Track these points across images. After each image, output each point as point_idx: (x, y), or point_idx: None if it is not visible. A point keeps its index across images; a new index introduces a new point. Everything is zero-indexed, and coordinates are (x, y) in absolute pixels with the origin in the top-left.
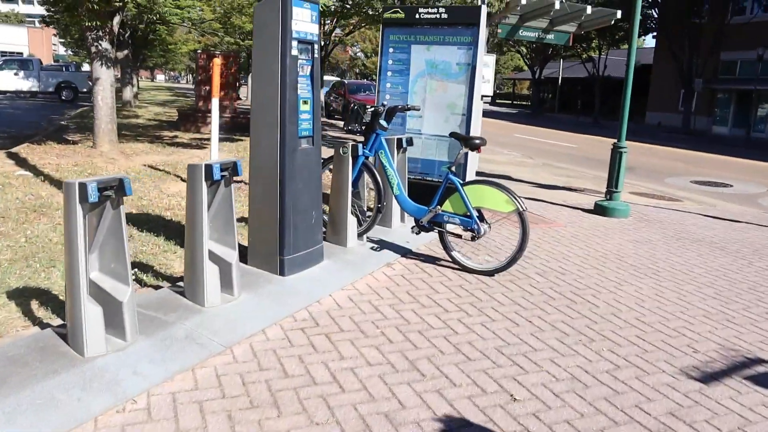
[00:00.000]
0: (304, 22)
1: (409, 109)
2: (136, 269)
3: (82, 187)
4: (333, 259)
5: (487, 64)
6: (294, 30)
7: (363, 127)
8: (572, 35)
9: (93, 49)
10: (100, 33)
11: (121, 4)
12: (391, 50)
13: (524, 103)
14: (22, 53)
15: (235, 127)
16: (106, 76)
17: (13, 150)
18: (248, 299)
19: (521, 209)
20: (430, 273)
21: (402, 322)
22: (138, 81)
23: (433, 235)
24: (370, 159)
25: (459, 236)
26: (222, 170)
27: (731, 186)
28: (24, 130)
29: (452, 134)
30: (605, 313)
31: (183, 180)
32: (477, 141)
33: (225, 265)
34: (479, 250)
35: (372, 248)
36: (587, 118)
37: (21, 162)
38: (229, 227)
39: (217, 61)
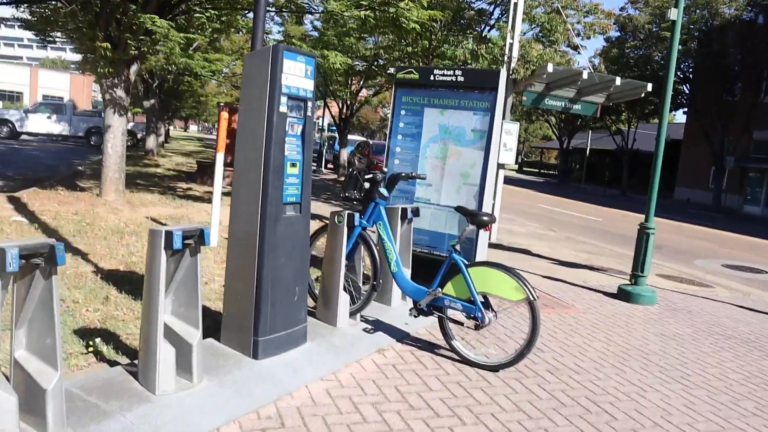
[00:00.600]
0: (296, 76)
1: (412, 178)
2: (98, 338)
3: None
4: (318, 341)
5: (509, 132)
6: (284, 84)
7: (361, 195)
8: (600, 106)
9: (107, 96)
10: (115, 80)
11: (137, 53)
12: (403, 112)
13: (551, 172)
14: (63, 98)
15: None
16: (117, 124)
17: (17, 194)
18: (209, 387)
19: (532, 298)
20: (425, 364)
21: (383, 428)
22: (168, 130)
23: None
24: (369, 230)
25: (461, 324)
26: (186, 238)
27: (765, 272)
28: (40, 173)
29: (458, 208)
30: (625, 429)
31: None
32: (485, 218)
33: (185, 345)
34: (484, 339)
35: (365, 329)
36: (614, 190)
37: (21, 207)
38: (193, 302)
39: (224, 115)
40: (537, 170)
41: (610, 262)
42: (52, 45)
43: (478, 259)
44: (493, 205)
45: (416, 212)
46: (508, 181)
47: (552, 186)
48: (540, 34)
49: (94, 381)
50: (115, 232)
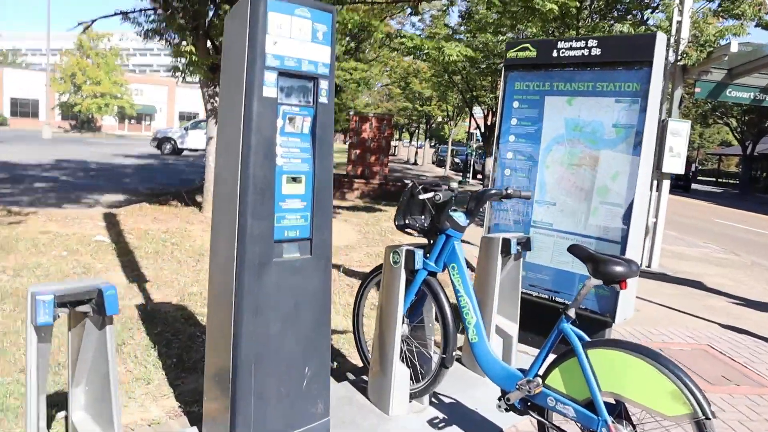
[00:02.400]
0: (295, 40)
1: (507, 197)
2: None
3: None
4: None
5: (677, 133)
6: (271, 53)
7: (426, 224)
8: None
9: (208, 106)
10: (216, 89)
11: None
12: (515, 104)
13: (731, 181)
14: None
15: (383, 194)
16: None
17: (116, 210)
18: None
19: (702, 416)
20: None
21: None
22: None
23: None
24: (440, 275)
25: None
26: (73, 303)
27: None
28: (169, 187)
29: (573, 249)
30: None
31: None
32: (617, 268)
33: None
34: None
35: (433, 421)
36: None
37: (112, 225)
38: (105, 391)
39: None
40: (714, 179)
41: None
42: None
43: (619, 324)
44: (655, 223)
45: (527, 245)
46: (675, 190)
47: (732, 198)
48: (719, 8)
49: None
50: (195, 253)
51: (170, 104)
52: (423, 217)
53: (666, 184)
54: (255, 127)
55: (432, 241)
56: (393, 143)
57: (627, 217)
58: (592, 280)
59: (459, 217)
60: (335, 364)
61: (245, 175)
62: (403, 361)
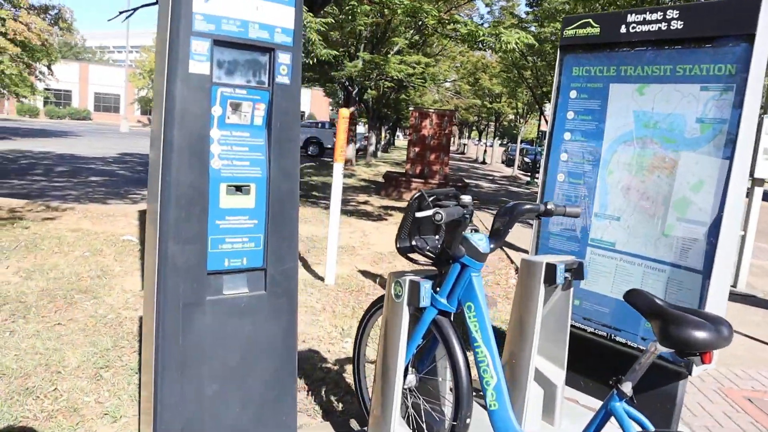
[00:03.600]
0: None
1: (545, 215)
2: None
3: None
4: None
5: None
6: (200, 14)
7: (437, 248)
8: None
9: None
10: None
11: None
12: (573, 94)
13: None
14: (304, 112)
15: None
16: None
17: None
18: None
19: None
20: None
21: None
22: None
23: None
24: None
25: None
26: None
27: None
28: None
29: (631, 296)
30: None
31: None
32: (701, 335)
33: None
34: None
35: None
36: None
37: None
38: None
39: (344, 113)
40: None
41: None
42: None
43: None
44: (743, 237)
45: (578, 272)
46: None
47: None
48: None
49: None
50: None
51: None
52: (437, 237)
53: (758, 191)
54: (178, 116)
55: (443, 271)
56: (462, 141)
57: (712, 239)
58: (658, 347)
59: (479, 241)
60: (340, 405)
61: (165, 183)
62: (407, 421)
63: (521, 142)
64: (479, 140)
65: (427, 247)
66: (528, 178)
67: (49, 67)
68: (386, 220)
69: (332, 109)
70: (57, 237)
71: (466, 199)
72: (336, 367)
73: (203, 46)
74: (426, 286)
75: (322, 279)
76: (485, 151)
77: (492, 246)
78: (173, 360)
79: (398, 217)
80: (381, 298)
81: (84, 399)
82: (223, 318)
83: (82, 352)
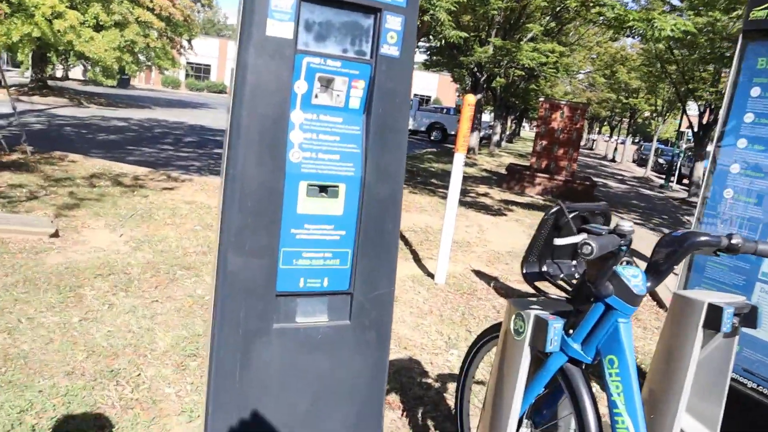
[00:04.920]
0: None
1: (729, 251)
2: None
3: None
4: None
5: None
6: None
7: (574, 277)
8: None
9: None
10: None
11: None
12: (755, 92)
13: None
14: (430, 97)
15: (568, 193)
16: None
17: None
18: None
19: None
20: None
21: None
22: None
23: None
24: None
25: None
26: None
27: None
28: None
29: None
30: None
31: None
32: None
33: None
34: None
35: None
36: None
37: None
38: None
39: (470, 100)
40: None
41: None
42: None
43: None
44: None
45: (750, 318)
46: None
47: None
48: None
49: None
50: None
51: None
52: (574, 264)
53: None
54: (249, 92)
55: (580, 310)
56: (593, 137)
57: None
58: None
59: (633, 278)
60: None
61: (228, 178)
62: None
63: (657, 141)
64: (610, 136)
65: (561, 275)
66: (662, 181)
67: (189, 42)
68: (505, 215)
69: (458, 95)
70: (171, 208)
71: (626, 226)
72: (437, 385)
73: (286, 1)
74: (556, 326)
75: (432, 276)
76: (616, 148)
77: (649, 285)
78: (230, 400)
79: (519, 213)
80: (496, 326)
81: (165, 390)
82: (294, 351)
83: (173, 335)
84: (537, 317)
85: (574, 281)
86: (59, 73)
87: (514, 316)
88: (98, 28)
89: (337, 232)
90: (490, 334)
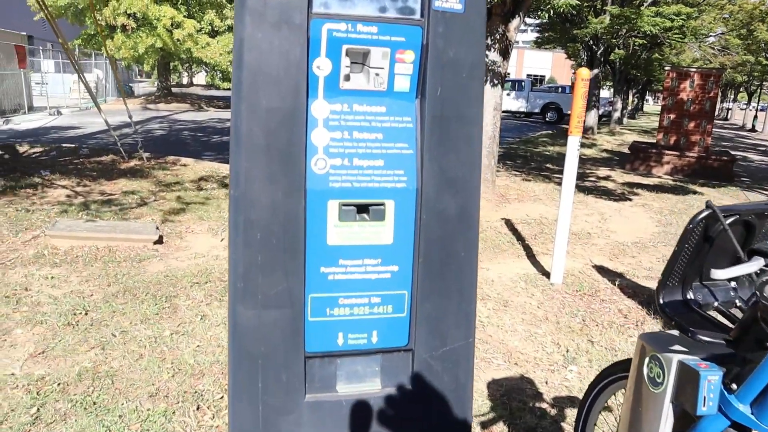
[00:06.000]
0: None
1: None
2: None
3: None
4: None
5: None
6: None
7: (735, 306)
8: None
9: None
10: (488, 41)
11: None
12: None
13: None
14: (544, 76)
15: (701, 171)
16: (489, 96)
17: None
18: None
19: None
20: None
21: None
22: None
23: None
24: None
25: None
26: None
27: None
28: None
29: None
30: None
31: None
32: None
33: None
34: None
35: None
36: None
37: None
38: None
39: (584, 74)
40: None
41: None
42: None
43: None
44: None
45: None
46: None
47: None
48: None
49: None
50: None
51: (519, 68)
52: (734, 287)
53: None
54: (247, 78)
55: (749, 358)
56: (727, 105)
57: None
58: None
59: None
60: None
61: (232, 201)
62: None
63: None
64: (748, 103)
65: (715, 303)
66: None
67: None
68: (630, 200)
69: (573, 73)
70: None
71: None
72: (553, 411)
73: None
74: (712, 380)
75: (547, 275)
76: (755, 116)
77: None
78: None
79: (646, 197)
80: (623, 364)
81: None
82: (335, 431)
83: None
84: (682, 365)
85: (735, 310)
86: (185, 80)
87: (648, 359)
88: (213, 33)
89: (386, 268)
90: (616, 374)
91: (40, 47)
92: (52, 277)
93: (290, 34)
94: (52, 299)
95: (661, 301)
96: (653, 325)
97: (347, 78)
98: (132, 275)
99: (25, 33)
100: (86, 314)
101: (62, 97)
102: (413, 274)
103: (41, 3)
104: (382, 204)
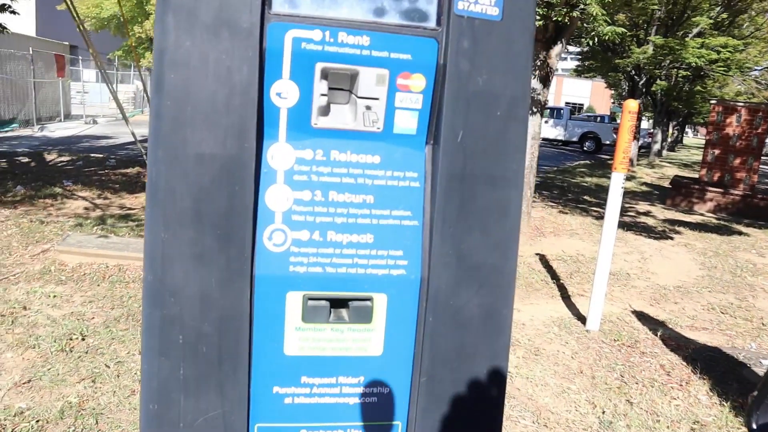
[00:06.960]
0: None
1: None
2: None
3: None
4: None
5: None
6: None
7: None
8: None
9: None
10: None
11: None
12: None
13: None
14: (583, 104)
15: (747, 210)
16: (528, 124)
17: None
18: None
19: None
20: None
21: None
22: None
23: None
24: None
25: None
26: None
27: None
28: None
29: None
30: None
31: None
32: None
33: None
34: None
35: None
36: None
37: None
38: None
39: (632, 106)
40: None
41: None
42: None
43: None
44: None
45: None
46: None
47: None
48: None
49: None
50: None
51: (557, 96)
52: None
53: None
54: (169, 111)
55: None
56: None
57: None
58: None
59: None
60: None
61: (146, 287)
62: None
63: None
64: None
65: None
66: None
67: None
68: (671, 239)
69: (613, 102)
70: None
71: None
72: None
73: None
74: None
75: (583, 320)
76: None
77: None
78: None
79: (688, 236)
80: None
81: None
82: None
83: None
84: None
85: None
86: None
87: None
88: None
89: (372, 390)
90: None
91: (81, 57)
92: (55, 296)
93: (234, 43)
94: (50, 321)
95: (754, 426)
96: (699, 386)
97: (324, 112)
98: (138, 298)
99: (68, 43)
100: (83, 339)
101: (101, 106)
102: (411, 399)
103: (73, 13)
104: (369, 299)
